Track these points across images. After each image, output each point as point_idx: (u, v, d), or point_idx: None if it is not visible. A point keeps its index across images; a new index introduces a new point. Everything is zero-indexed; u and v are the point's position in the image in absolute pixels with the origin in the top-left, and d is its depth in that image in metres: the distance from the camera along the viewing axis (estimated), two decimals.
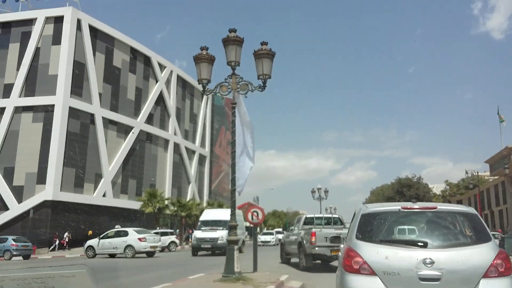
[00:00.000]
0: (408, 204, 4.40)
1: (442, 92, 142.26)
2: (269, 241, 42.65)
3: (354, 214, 4.82)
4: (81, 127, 41.05)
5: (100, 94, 43.25)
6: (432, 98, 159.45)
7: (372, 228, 4.39)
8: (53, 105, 38.64)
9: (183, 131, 58.40)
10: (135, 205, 41.58)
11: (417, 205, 4.36)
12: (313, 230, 12.49)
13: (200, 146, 63.21)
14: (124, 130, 46.26)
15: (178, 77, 58.09)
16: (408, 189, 68.58)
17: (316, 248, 12.36)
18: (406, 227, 4.64)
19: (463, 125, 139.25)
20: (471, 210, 4.50)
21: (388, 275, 3.90)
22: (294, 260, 15.44)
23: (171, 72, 56.25)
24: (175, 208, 37.03)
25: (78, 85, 41.10)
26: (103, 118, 43.05)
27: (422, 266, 3.81)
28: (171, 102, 55.34)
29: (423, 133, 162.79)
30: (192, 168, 60.01)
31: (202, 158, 64.21)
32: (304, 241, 12.84)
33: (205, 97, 66.02)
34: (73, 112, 39.94)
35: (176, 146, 55.82)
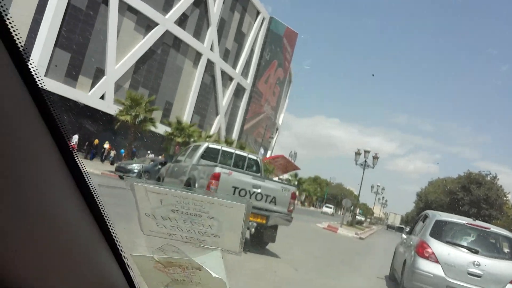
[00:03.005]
0: (471, 221, 7.52)
1: None
2: (328, 212, 59.06)
3: (425, 216, 8.35)
4: (88, 3, 34.14)
5: None
6: None
7: (442, 231, 7.30)
8: None
9: (222, 49, 50.57)
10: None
11: (477, 223, 7.43)
12: (217, 169, 7.87)
13: (240, 74, 55.39)
14: (146, 24, 39.06)
15: None
16: (477, 187, 59.08)
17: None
18: (466, 236, 7.39)
19: None
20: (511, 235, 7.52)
21: (447, 265, 6.74)
22: None
23: None
24: (171, 130, 29.64)
25: None
26: (120, 1, 35.95)
27: (471, 265, 6.64)
28: (215, 8, 47.23)
29: (498, 138, 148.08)
30: (225, 98, 52.60)
31: (240, 90, 56.52)
32: (197, 184, 8.41)
33: (260, 16, 57.43)
34: None
35: (210, 65, 48.28)
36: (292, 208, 8.53)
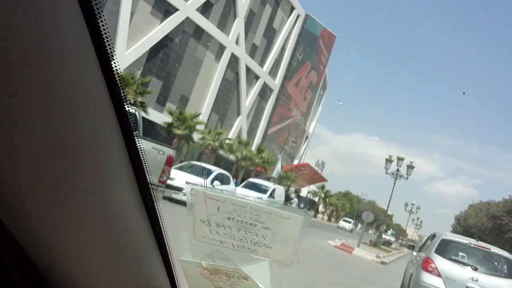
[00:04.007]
0: (474, 241, 8.34)
1: None
2: (346, 228, 51.48)
3: (433, 235, 9.19)
4: None
5: None
6: None
7: (446, 249, 8.18)
8: None
9: (249, 44, 47.49)
10: (155, 117, 32.04)
11: (479, 243, 8.30)
12: None
13: (268, 74, 52.13)
14: (164, 9, 36.42)
15: None
16: None
17: None
18: (468, 254, 8.18)
19: None
20: (510, 256, 8.22)
21: (448, 279, 7.61)
22: None
23: None
24: (172, 120, 26.12)
25: None
26: None
27: (470, 281, 7.50)
28: None
29: None
30: (249, 98, 49.37)
31: (266, 90, 53.19)
32: None
33: (294, 12, 54.15)
34: None
35: (234, 60, 45.25)
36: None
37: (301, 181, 60.03)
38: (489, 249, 8.33)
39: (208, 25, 40.50)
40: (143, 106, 21.45)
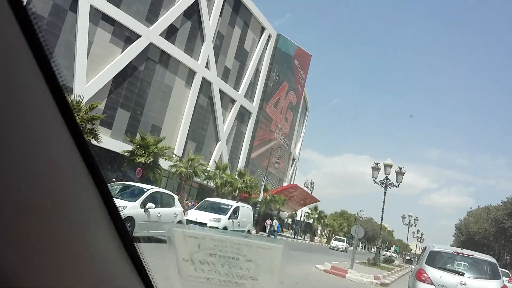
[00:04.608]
0: (458, 250, 9.39)
1: None
2: (339, 248, 47.10)
3: (424, 248, 10.81)
4: (52, 9, 29.88)
5: None
6: None
7: (435, 259, 9.04)
8: None
9: (221, 67, 45.76)
10: (121, 147, 29.39)
11: (463, 251, 9.22)
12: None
13: (244, 96, 50.27)
14: (125, 36, 34.56)
15: None
16: None
17: None
18: (454, 262, 9.08)
19: None
20: (493, 259, 9.22)
21: (440, 286, 8.40)
22: None
23: None
24: (133, 147, 23.50)
25: None
26: (92, 7, 31.67)
27: (459, 285, 8.28)
28: (210, 21, 42.78)
29: None
30: (226, 122, 47.29)
31: (244, 113, 51.20)
32: None
33: (265, 32, 52.85)
34: None
35: (206, 84, 43.35)
36: None
37: (293, 203, 57.47)
38: (472, 255, 9.22)
39: (174, 50, 38.71)
40: (92, 133, 19.06)
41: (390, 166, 26.03)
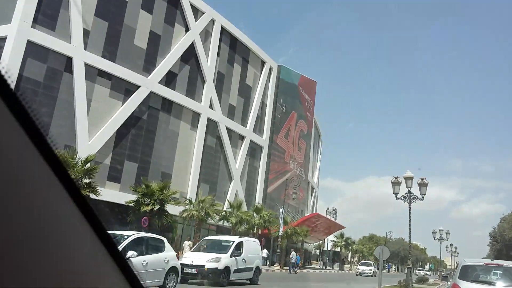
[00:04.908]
0: (489, 261, 9.95)
1: None
2: (367, 273, 44.79)
3: (457, 263, 11.86)
4: (47, 73, 30.17)
5: (86, 31, 32.34)
6: None
7: (467, 273, 9.37)
8: (5, 38, 28.48)
9: (225, 106, 45.55)
10: (131, 199, 28.82)
11: (493, 262, 9.82)
12: None
13: (253, 131, 49.80)
14: (124, 88, 34.68)
15: (223, 31, 45.56)
16: None
17: None
18: (485, 273, 9.47)
19: None
20: None
21: None
22: None
23: (212, 21, 43.96)
24: (137, 196, 22.97)
25: (48, 13, 30.57)
26: (87, 65, 31.93)
27: None
28: (209, 62, 42.90)
29: None
30: (238, 160, 46.66)
31: (255, 148, 50.59)
32: None
33: (266, 65, 52.87)
34: (35, 50, 29.35)
35: (212, 125, 43.07)
36: None
37: (317, 233, 55.84)
38: (502, 264, 9.70)
39: (176, 96, 38.71)
40: (90, 187, 18.51)
41: (411, 178, 24.60)
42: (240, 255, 16.31)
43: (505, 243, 68.42)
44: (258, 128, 51.15)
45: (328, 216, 54.58)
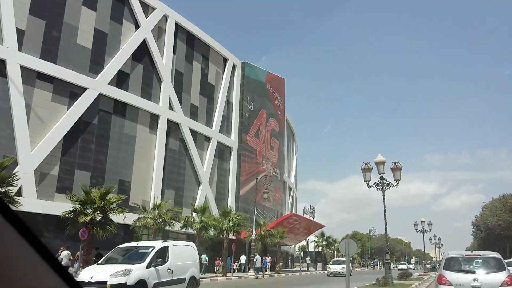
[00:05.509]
0: (468, 253, 12.28)
1: None
2: (340, 272, 36.90)
3: (442, 256, 13.98)
4: None
5: (20, 31, 29.28)
6: None
7: (450, 264, 11.20)
8: None
9: (187, 106, 42.74)
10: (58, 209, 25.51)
11: (472, 253, 12.01)
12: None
13: (220, 132, 47.08)
14: (68, 91, 31.60)
15: (179, 28, 42.91)
16: None
17: None
18: (466, 263, 11.25)
19: None
20: (497, 255, 11.57)
21: (458, 285, 10.48)
22: None
23: (165, 17, 41.26)
24: (73, 206, 19.52)
25: None
26: (23, 68, 28.79)
27: (472, 281, 10.37)
28: (164, 61, 40.09)
29: None
30: (205, 163, 43.84)
31: (223, 149, 47.84)
32: None
33: (229, 62, 50.36)
34: None
35: (174, 126, 40.19)
36: None
37: (297, 234, 53.26)
38: (480, 255, 11.80)
39: (129, 97, 35.81)
40: (6, 196, 15.50)
41: (383, 163, 22.37)
42: (162, 264, 13.11)
43: (488, 231, 67.06)
44: (225, 128, 48.50)
45: (306, 216, 51.99)
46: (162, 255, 13.27)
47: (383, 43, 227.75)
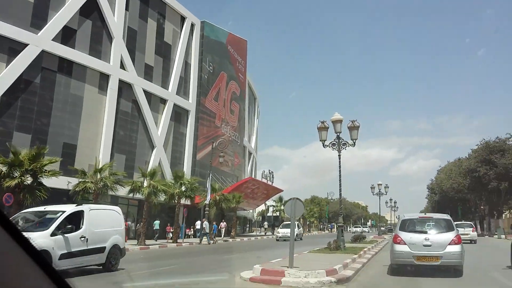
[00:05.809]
0: (421, 215, 13.66)
1: None
2: (289, 236, 27.89)
3: (399, 218, 16.25)
4: None
5: None
6: (504, 82, 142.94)
7: (405, 225, 12.63)
8: None
9: (141, 66, 40.70)
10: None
11: (425, 215, 13.57)
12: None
13: (176, 94, 45.35)
14: (7, 47, 29.15)
15: None
16: (501, 155, 48.58)
17: None
18: (419, 224, 12.75)
19: None
20: (447, 216, 13.26)
21: (411, 244, 11.85)
22: None
23: None
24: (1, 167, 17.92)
25: None
26: None
27: (424, 241, 11.80)
28: (116, 17, 37.62)
29: (493, 119, 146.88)
30: (160, 126, 42.29)
31: (180, 112, 46.28)
32: None
33: (187, 21, 48.10)
34: None
35: (126, 87, 38.24)
36: None
37: (255, 199, 53.03)
38: (432, 217, 13.34)
39: (77, 55, 33.58)
40: None
41: (340, 121, 21.53)
42: (74, 231, 11.55)
43: (443, 194, 68.96)
44: (182, 90, 46.78)
45: (265, 180, 51.69)
46: (74, 221, 11.70)
47: (353, 8, 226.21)
